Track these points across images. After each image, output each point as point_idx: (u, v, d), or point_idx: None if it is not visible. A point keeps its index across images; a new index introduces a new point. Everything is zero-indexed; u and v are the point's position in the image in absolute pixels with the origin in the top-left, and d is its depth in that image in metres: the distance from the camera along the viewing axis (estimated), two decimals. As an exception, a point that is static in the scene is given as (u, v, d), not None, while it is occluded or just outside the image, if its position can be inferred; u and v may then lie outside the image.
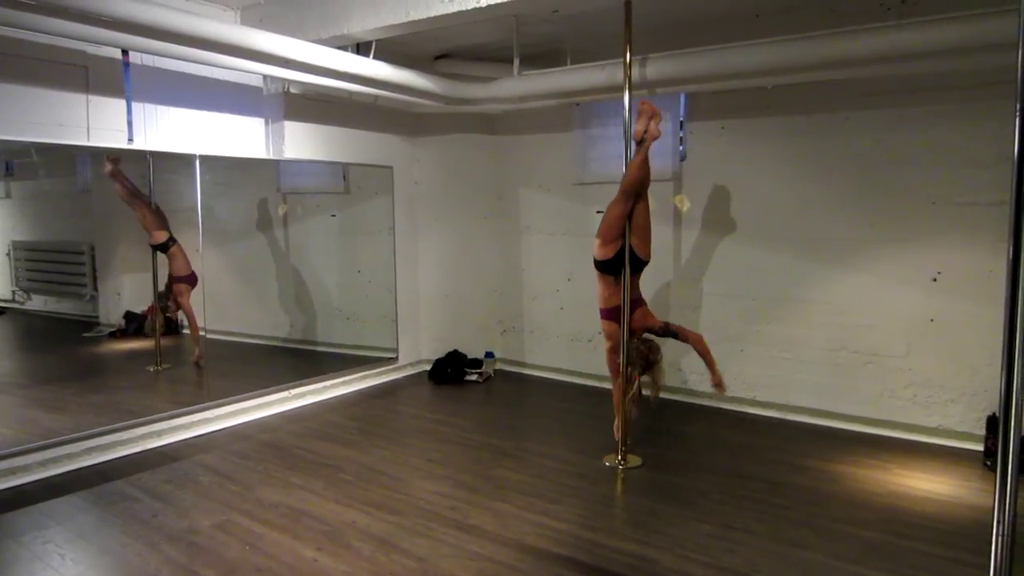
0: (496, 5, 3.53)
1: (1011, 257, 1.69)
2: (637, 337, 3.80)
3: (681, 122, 4.94)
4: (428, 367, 5.85)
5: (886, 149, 4.16)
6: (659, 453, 3.97)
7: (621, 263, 3.71)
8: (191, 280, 4.72)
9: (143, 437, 4.05)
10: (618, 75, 3.95)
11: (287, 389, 4.94)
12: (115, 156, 4.36)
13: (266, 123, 4.84)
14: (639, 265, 3.75)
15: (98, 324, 4.88)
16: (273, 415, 4.73)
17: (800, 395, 4.58)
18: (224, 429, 4.41)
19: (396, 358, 5.81)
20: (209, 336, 4.81)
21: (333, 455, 3.96)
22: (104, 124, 3.95)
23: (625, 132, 3.75)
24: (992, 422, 3.82)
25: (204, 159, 4.45)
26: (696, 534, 2.99)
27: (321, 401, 5.10)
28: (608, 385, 4.31)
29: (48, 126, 3.72)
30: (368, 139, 5.50)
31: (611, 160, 5.15)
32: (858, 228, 4.29)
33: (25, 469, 3.55)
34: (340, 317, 6.03)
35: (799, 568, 2.72)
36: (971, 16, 3.23)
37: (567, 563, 2.75)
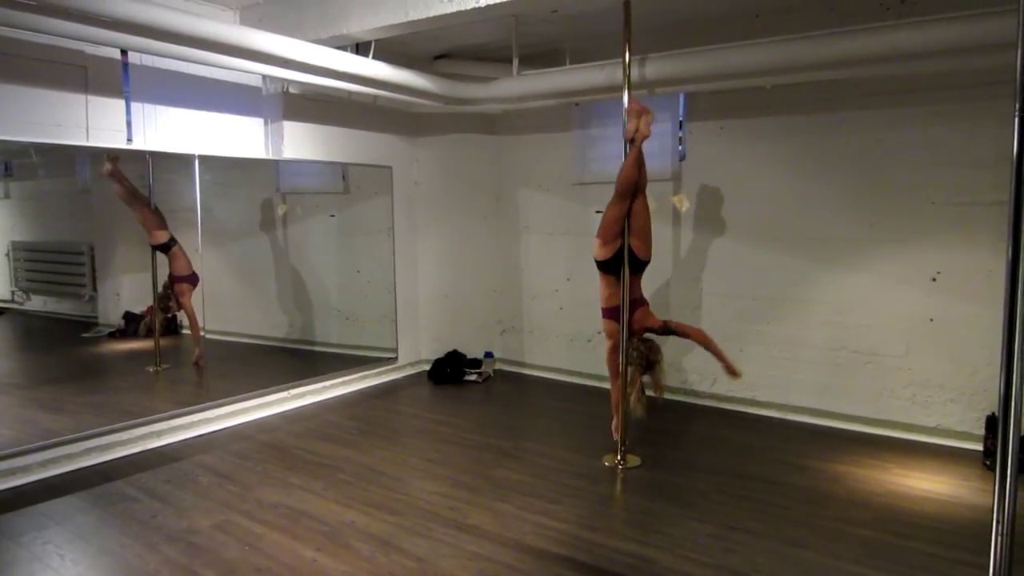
0: (495, 5, 3.53)
1: (1010, 257, 1.70)
2: (638, 337, 3.80)
3: (680, 122, 4.94)
4: (427, 367, 5.85)
5: (885, 149, 4.16)
6: (658, 453, 3.98)
7: (621, 263, 3.71)
8: (192, 280, 4.71)
9: (142, 437, 4.05)
10: (617, 75, 3.95)
11: (286, 389, 4.94)
12: (114, 156, 4.36)
13: (265, 123, 4.84)
14: (639, 265, 3.75)
15: (97, 324, 4.88)
16: (272, 415, 4.73)
17: (800, 395, 4.58)
18: (223, 429, 4.41)
19: (395, 358, 5.81)
20: (208, 336, 4.81)
21: (332, 455, 3.95)
22: (103, 124, 3.95)
23: (624, 132, 3.75)
24: (991, 422, 3.82)
25: (203, 159, 4.45)
26: (695, 534, 2.99)
27: (320, 401, 5.10)
28: (607, 385, 4.32)
29: (47, 126, 3.72)
30: (367, 139, 5.50)
31: (610, 160, 5.15)
32: (857, 228, 4.29)
33: (24, 470, 3.55)
34: (339, 317, 6.02)
35: (799, 568, 2.72)
36: (970, 16, 3.23)
37: (566, 563, 2.75)
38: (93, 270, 4.78)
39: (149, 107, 4.17)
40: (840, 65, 3.67)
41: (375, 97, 4.85)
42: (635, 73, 3.98)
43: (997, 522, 1.77)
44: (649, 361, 3.74)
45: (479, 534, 2.99)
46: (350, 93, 4.72)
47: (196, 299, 4.68)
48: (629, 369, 3.74)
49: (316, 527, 3.05)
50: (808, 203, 4.46)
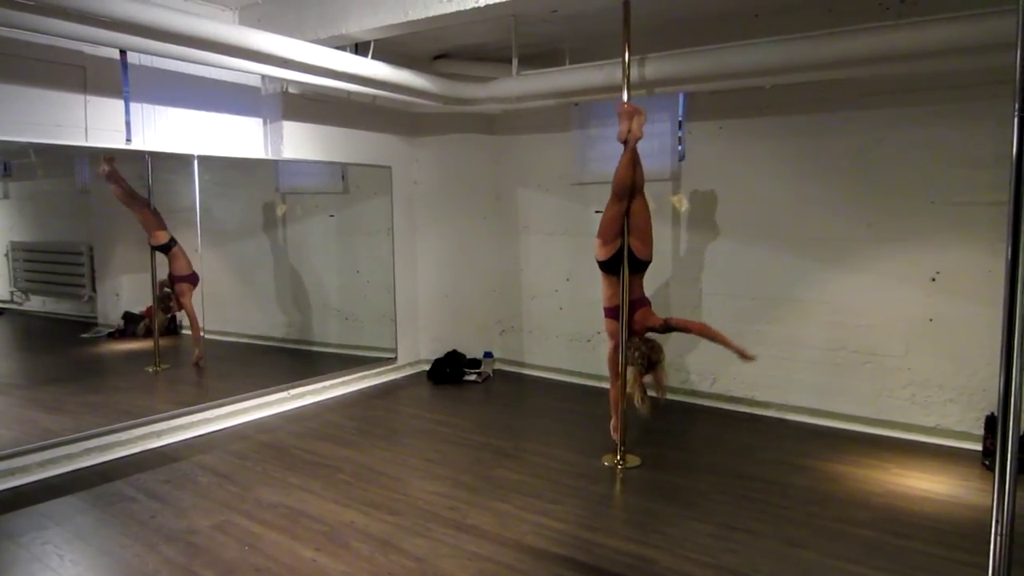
0: (494, 5, 3.53)
1: (1009, 257, 1.70)
2: (640, 337, 3.79)
3: (680, 122, 4.94)
4: (427, 367, 5.85)
5: (885, 149, 4.16)
6: (658, 453, 3.98)
7: (621, 263, 3.72)
8: (193, 280, 4.71)
9: (142, 438, 4.05)
10: (617, 75, 3.95)
11: (286, 389, 4.94)
12: (110, 156, 4.35)
13: (264, 123, 4.84)
14: (639, 265, 3.75)
15: (96, 325, 4.87)
16: (272, 415, 4.73)
17: (799, 395, 4.58)
18: (223, 429, 4.41)
19: (395, 358, 5.81)
20: (208, 336, 4.81)
21: (332, 455, 3.95)
22: (102, 124, 3.95)
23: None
24: (991, 422, 3.82)
25: (202, 159, 4.45)
26: (695, 534, 2.99)
27: (320, 401, 5.10)
28: (607, 385, 4.32)
29: (46, 126, 3.72)
30: (367, 139, 5.50)
31: (610, 160, 5.11)
32: (857, 228, 4.29)
33: (24, 470, 3.54)
34: (339, 317, 6.02)
35: (798, 567, 2.72)
36: (970, 16, 3.23)
37: (566, 563, 2.75)
38: (92, 270, 4.77)
39: (148, 107, 4.16)
40: (839, 65, 3.67)
41: (374, 97, 4.85)
42: (634, 73, 3.98)
43: (996, 522, 1.77)
44: (651, 360, 3.72)
45: (479, 534, 2.99)
46: (349, 93, 4.72)
47: (196, 299, 4.68)
48: (631, 369, 3.74)
49: (315, 527, 3.05)
50: (808, 203, 4.46)
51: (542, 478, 3.61)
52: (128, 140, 4.06)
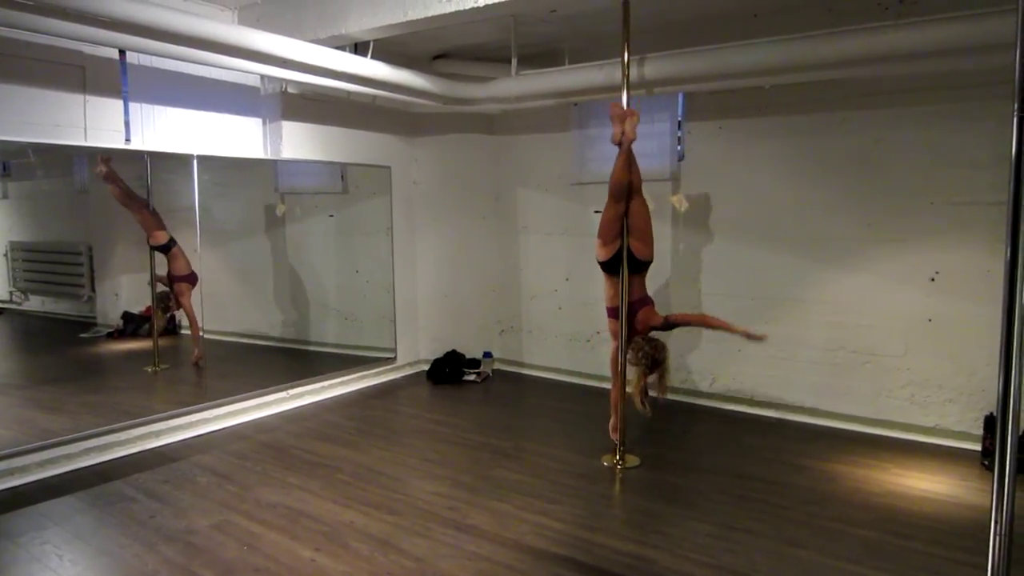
0: (494, 5, 3.53)
1: (1008, 257, 1.70)
2: (643, 336, 3.78)
3: (679, 122, 4.94)
4: (426, 367, 5.85)
5: (884, 149, 4.17)
6: (657, 453, 3.98)
7: (621, 263, 3.72)
8: (192, 280, 4.71)
9: (141, 438, 4.04)
10: (616, 75, 3.95)
11: (285, 389, 4.94)
12: (107, 157, 4.35)
13: (264, 123, 4.84)
14: (639, 265, 3.75)
15: (96, 325, 4.87)
16: (271, 415, 4.73)
17: (798, 395, 4.59)
18: (222, 429, 4.41)
19: (394, 358, 5.81)
20: (207, 336, 4.81)
21: (331, 455, 3.95)
22: (101, 124, 3.95)
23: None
24: (990, 422, 3.82)
25: (202, 159, 4.45)
26: (695, 534, 2.99)
27: (319, 401, 5.10)
28: (607, 385, 4.32)
29: (45, 126, 3.72)
30: (366, 139, 5.49)
31: (609, 160, 5.06)
32: (856, 228, 4.29)
33: (23, 470, 3.54)
34: (338, 317, 6.02)
35: (798, 568, 2.72)
36: (969, 16, 3.23)
37: (565, 563, 2.75)
38: (91, 270, 4.77)
39: (147, 107, 4.16)
40: (839, 65, 3.67)
41: (374, 97, 4.85)
42: (634, 73, 3.98)
43: (995, 522, 1.77)
44: (655, 360, 3.71)
45: (478, 534, 2.99)
46: (349, 93, 4.72)
47: (195, 299, 4.68)
48: (635, 370, 3.72)
49: (315, 527, 3.05)
50: (807, 203, 4.46)
51: (541, 478, 3.61)
52: (127, 140, 4.05)
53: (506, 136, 5.88)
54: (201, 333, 4.74)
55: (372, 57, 4.42)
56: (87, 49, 3.80)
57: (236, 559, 2.77)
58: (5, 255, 4.60)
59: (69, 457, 3.72)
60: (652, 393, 3.81)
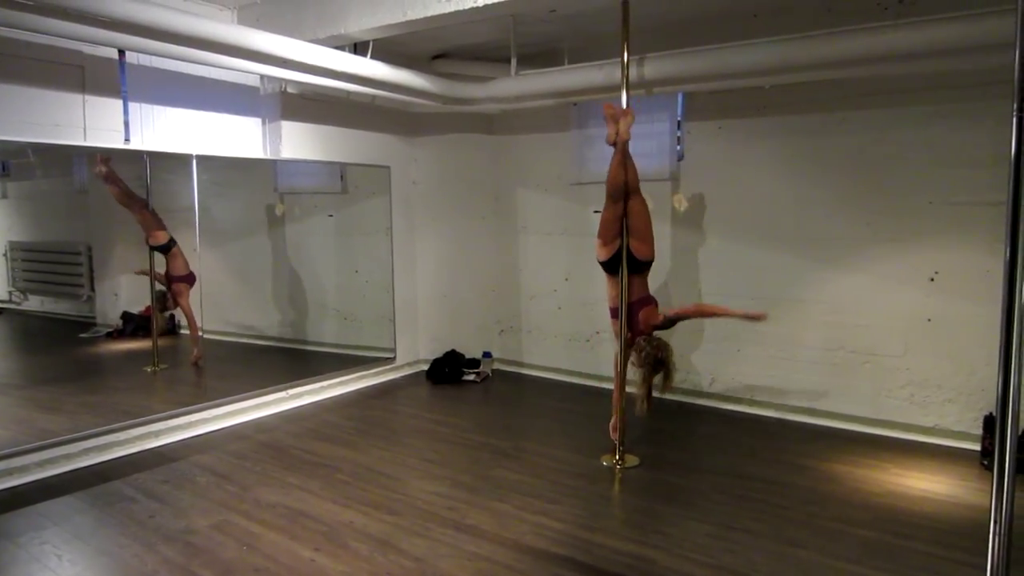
0: (493, 5, 3.53)
1: (1008, 257, 1.70)
2: (644, 338, 3.76)
3: (679, 122, 4.94)
4: (426, 367, 5.84)
5: (883, 149, 4.17)
6: (657, 453, 3.98)
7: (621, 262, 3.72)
8: (190, 280, 4.71)
9: (140, 437, 4.04)
10: (616, 75, 3.95)
11: (284, 389, 4.93)
12: (107, 157, 4.35)
13: (263, 123, 4.84)
14: (639, 265, 3.74)
15: (95, 325, 4.87)
16: (270, 415, 4.72)
17: (798, 395, 4.59)
18: (221, 429, 4.40)
19: (394, 358, 5.81)
20: (206, 336, 4.81)
21: (331, 455, 3.95)
22: (101, 124, 3.94)
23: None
24: (989, 422, 3.82)
25: (201, 159, 4.45)
26: (694, 534, 2.99)
27: (318, 401, 5.10)
28: (606, 385, 4.32)
29: (45, 126, 3.71)
30: (365, 139, 5.49)
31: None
32: (856, 228, 4.29)
33: (22, 470, 3.54)
34: (337, 317, 6.02)
35: (797, 567, 2.72)
36: (968, 16, 3.24)
37: (565, 563, 2.75)
38: (91, 270, 4.77)
39: (147, 107, 4.16)
40: (838, 65, 3.67)
41: (373, 97, 4.85)
42: (633, 73, 3.98)
43: (994, 522, 1.77)
44: (658, 360, 3.67)
45: (478, 534, 2.99)
46: (348, 93, 4.72)
47: (194, 299, 4.67)
48: (640, 371, 3.70)
49: (314, 527, 3.05)
50: (806, 203, 4.47)
51: (541, 478, 3.61)
52: (127, 140, 4.05)
53: (505, 136, 5.88)
54: (200, 333, 4.74)
55: (371, 57, 4.42)
56: (86, 49, 3.80)
57: (235, 559, 2.77)
58: (4, 255, 4.60)
59: (68, 457, 3.71)
60: (656, 393, 3.78)
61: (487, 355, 5.96)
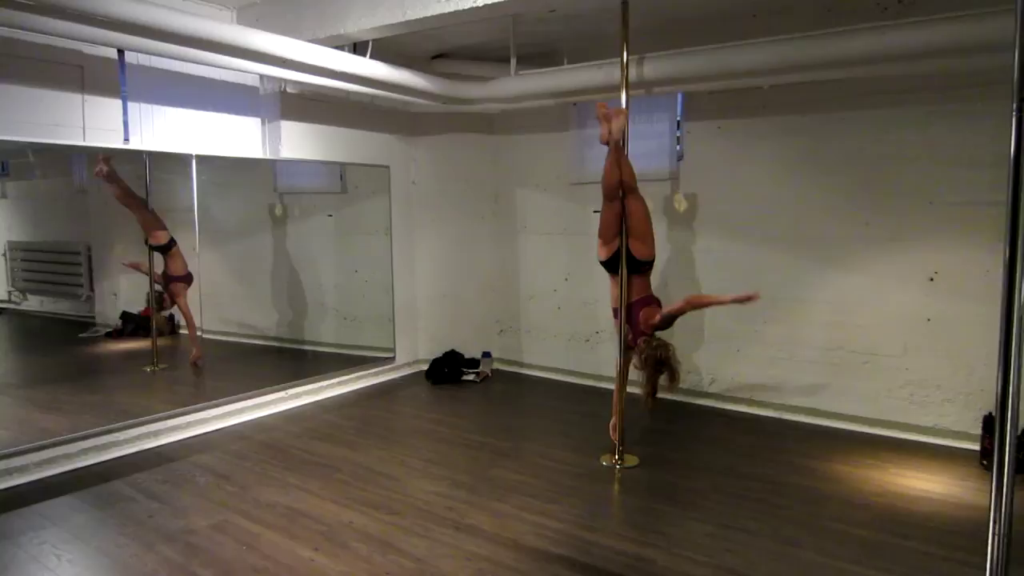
0: (493, 4, 3.52)
1: (1007, 257, 1.70)
2: (644, 340, 3.72)
3: (678, 122, 4.94)
4: (425, 367, 5.84)
5: (883, 149, 4.17)
6: (656, 453, 3.98)
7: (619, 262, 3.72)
8: (188, 280, 4.71)
9: (140, 437, 4.04)
10: (615, 75, 3.95)
11: (284, 389, 4.93)
12: (108, 157, 4.34)
13: (262, 123, 4.83)
14: (638, 265, 3.73)
15: (94, 324, 4.87)
16: (270, 415, 4.72)
17: (797, 395, 4.59)
18: (221, 429, 4.40)
19: (393, 358, 5.81)
20: (206, 336, 4.81)
21: (330, 455, 3.95)
22: (100, 124, 3.94)
23: (623, 132, 3.75)
24: (989, 422, 3.82)
25: (200, 159, 4.45)
26: (694, 533, 2.99)
27: (318, 401, 5.09)
28: (605, 384, 4.31)
29: (44, 126, 3.71)
30: (365, 139, 5.49)
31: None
32: (855, 228, 4.29)
33: (22, 470, 3.54)
34: (337, 317, 6.02)
35: (797, 567, 2.72)
36: (968, 16, 3.24)
37: (564, 563, 2.75)
38: (90, 270, 4.77)
39: (146, 107, 4.16)
40: (837, 65, 3.67)
41: (373, 97, 4.85)
42: (633, 73, 3.98)
43: (994, 522, 1.77)
44: (659, 361, 3.62)
45: (477, 534, 2.99)
46: (348, 93, 4.72)
47: (194, 299, 4.67)
48: (643, 373, 3.67)
49: (314, 527, 3.04)
50: (806, 203, 4.47)
51: (540, 478, 3.61)
52: (126, 140, 4.05)
53: (505, 136, 5.88)
54: (199, 333, 4.73)
55: (371, 57, 4.42)
56: (86, 49, 3.80)
57: (235, 559, 2.76)
58: (4, 255, 4.60)
59: (68, 457, 3.71)
60: (662, 393, 3.75)
61: (487, 355, 5.96)
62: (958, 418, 4.06)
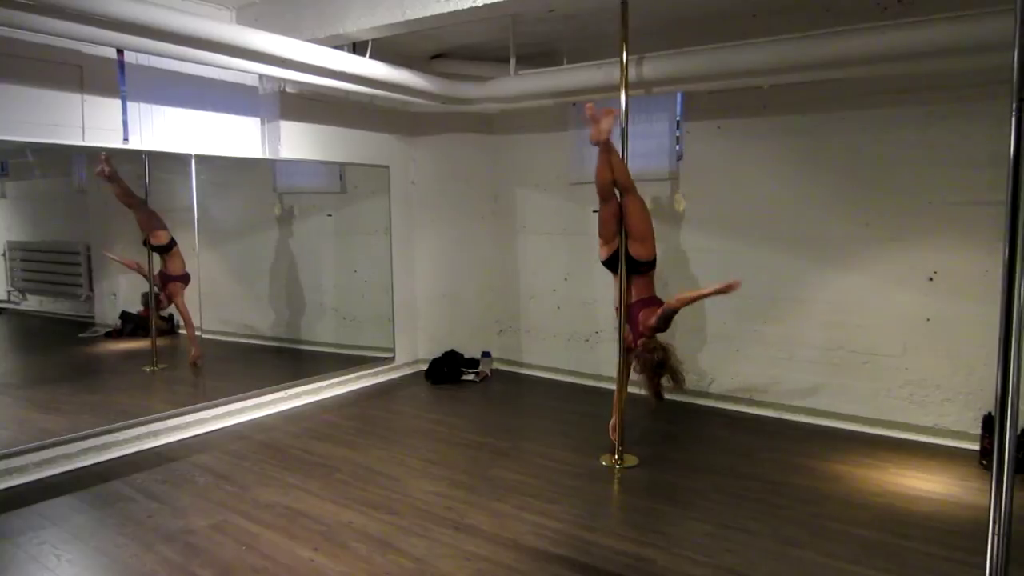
0: (492, 4, 3.52)
1: (1006, 256, 1.70)
2: (642, 343, 3.69)
3: (678, 122, 4.94)
4: (425, 367, 5.84)
5: (882, 149, 4.17)
6: (656, 452, 3.98)
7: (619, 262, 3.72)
8: (185, 279, 4.71)
9: (139, 437, 4.04)
10: (615, 74, 3.95)
11: (283, 389, 4.93)
12: (109, 156, 4.34)
13: (262, 123, 4.83)
14: (637, 266, 3.73)
15: (94, 324, 4.86)
16: (269, 415, 4.72)
17: (797, 394, 4.59)
18: (220, 429, 4.40)
19: (393, 358, 5.81)
20: (205, 336, 4.80)
21: (330, 455, 3.95)
22: (99, 124, 3.94)
23: (622, 132, 3.76)
24: (988, 421, 3.82)
25: (200, 159, 4.44)
26: (693, 533, 2.99)
27: (317, 401, 5.09)
28: (605, 384, 4.31)
29: (43, 126, 3.71)
30: (364, 139, 5.49)
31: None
32: (854, 228, 4.29)
33: (21, 470, 3.54)
34: (336, 317, 6.02)
35: (796, 567, 2.72)
36: (967, 16, 3.24)
37: (564, 563, 2.75)
38: (89, 270, 4.76)
39: (145, 107, 4.15)
40: (837, 65, 3.67)
41: (372, 97, 4.85)
42: (632, 72, 3.98)
43: (993, 522, 1.77)
44: (658, 363, 3.58)
45: (477, 534, 2.99)
46: (347, 93, 4.72)
47: (193, 299, 4.67)
48: (643, 376, 3.65)
49: (313, 527, 3.04)
50: (805, 203, 4.47)
51: (540, 478, 3.61)
52: (125, 140, 4.05)
53: (505, 136, 5.88)
54: (198, 333, 4.73)
55: (370, 57, 4.42)
56: (85, 48, 3.79)
57: (234, 559, 2.76)
58: (3, 255, 4.59)
59: (67, 457, 3.71)
60: (666, 394, 3.73)
61: (486, 355, 5.95)
62: (958, 418, 4.06)
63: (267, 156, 4.89)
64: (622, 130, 3.75)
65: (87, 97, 3.88)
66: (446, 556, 2.79)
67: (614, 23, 3.80)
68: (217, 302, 5.03)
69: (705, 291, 3.55)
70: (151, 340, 4.86)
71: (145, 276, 4.72)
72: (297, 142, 4.98)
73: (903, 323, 4.19)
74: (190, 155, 4.40)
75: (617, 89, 3.82)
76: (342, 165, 5.57)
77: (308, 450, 4.03)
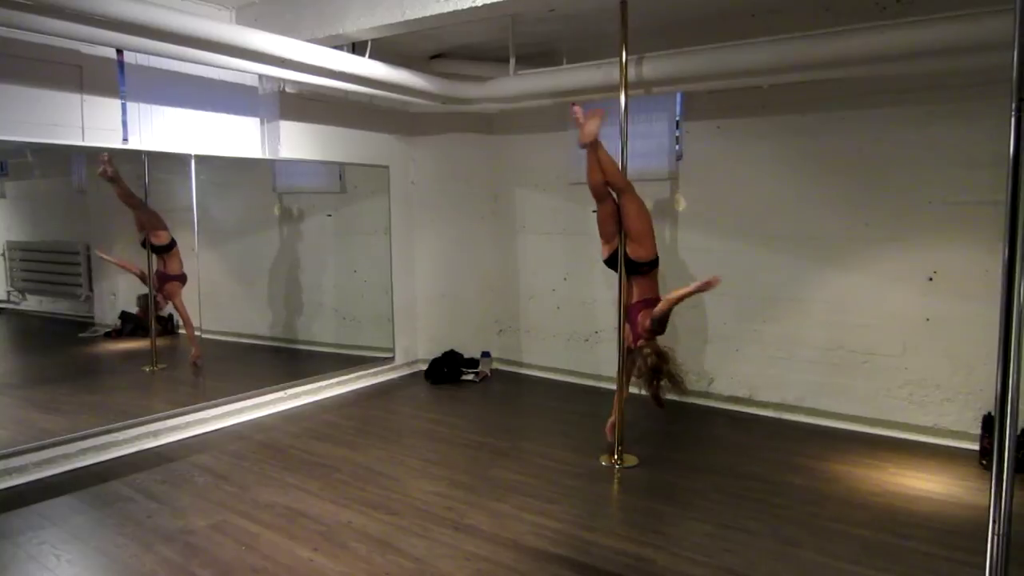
0: (492, 4, 3.52)
1: (1006, 256, 1.70)
2: (640, 346, 3.67)
3: (677, 121, 4.94)
4: (424, 367, 5.84)
5: (882, 148, 4.17)
6: (655, 452, 3.98)
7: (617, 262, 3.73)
8: (183, 280, 4.71)
9: (139, 437, 4.04)
10: (614, 74, 3.95)
11: (283, 389, 4.93)
12: (110, 156, 4.34)
13: (261, 123, 4.83)
14: (637, 266, 3.72)
15: (93, 324, 4.86)
16: (269, 415, 4.72)
17: (796, 394, 4.59)
18: (220, 429, 4.40)
19: (392, 358, 5.80)
20: (205, 336, 4.80)
21: (329, 455, 3.95)
22: (99, 124, 3.94)
23: (621, 132, 3.76)
24: (988, 421, 3.82)
25: (200, 159, 4.44)
26: (693, 533, 2.99)
27: (317, 401, 5.09)
28: (604, 384, 4.30)
29: (43, 126, 3.71)
30: (364, 139, 5.49)
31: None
32: (854, 227, 4.29)
33: (21, 470, 3.54)
34: (336, 317, 6.02)
35: (796, 567, 2.72)
36: (967, 15, 3.24)
37: (564, 563, 2.75)
38: (89, 270, 4.76)
39: (145, 107, 4.15)
40: (836, 65, 3.67)
41: (372, 97, 4.85)
42: (632, 72, 3.98)
43: (993, 521, 1.77)
44: (655, 369, 3.54)
45: (476, 534, 2.98)
46: (347, 93, 4.72)
47: (192, 299, 4.67)
48: (641, 380, 3.64)
49: (313, 527, 3.04)
50: (805, 202, 4.47)
51: (540, 478, 3.61)
52: (125, 140, 4.05)
53: (504, 136, 5.87)
54: (197, 333, 4.73)
55: (370, 57, 4.42)
56: (84, 48, 3.79)
57: (234, 559, 2.76)
58: (3, 255, 4.59)
59: (67, 457, 3.71)
60: (666, 396, 3.71)
61: (486, 355, 5.95)
62: (957, 418, 4.06)
63: (267, 156, 4.89)
64: (621, 130, 3.75)
65: (87, 97, 3.88)
66: (446, 556, 2.79)
67: (614, 23, 3.79)
68: (217, 302, 5.03)
69: (687, 290, 3.44)
70: (151, 340, 4.86)
71: (139, 275, 4.72)
72: (297, 142, 4.98)
73: (903, 323, 4.19)
74: (190, 155, 4.40)
75: (617, 89, 3.82)
76: (342, 165, 5.57)
77: (308, 450, 4.03)
